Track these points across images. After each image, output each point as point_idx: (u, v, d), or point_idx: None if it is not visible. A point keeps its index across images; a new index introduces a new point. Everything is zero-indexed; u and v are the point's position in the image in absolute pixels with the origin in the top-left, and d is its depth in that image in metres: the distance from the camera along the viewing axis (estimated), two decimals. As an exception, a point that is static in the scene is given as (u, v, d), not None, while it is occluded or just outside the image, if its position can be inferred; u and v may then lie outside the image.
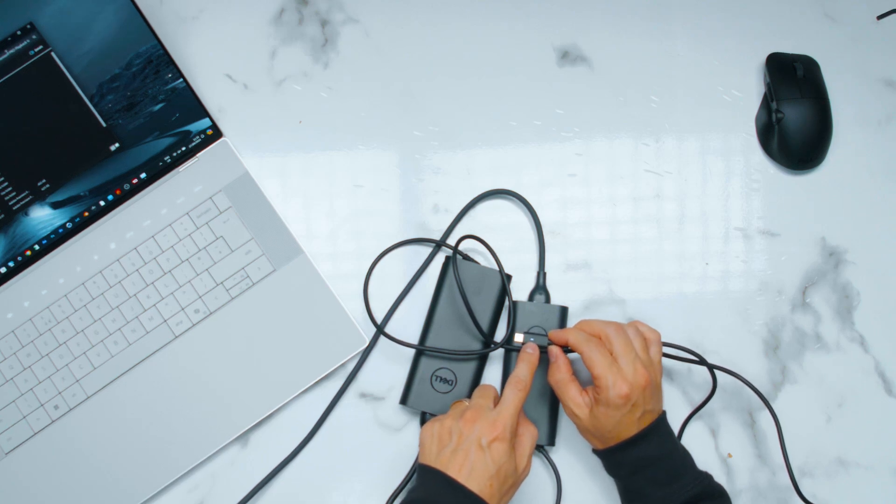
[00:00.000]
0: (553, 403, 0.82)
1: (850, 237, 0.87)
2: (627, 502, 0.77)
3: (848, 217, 0.87)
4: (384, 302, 0.85)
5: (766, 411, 0.83)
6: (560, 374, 0.76)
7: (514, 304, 0.83)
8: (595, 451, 0.77)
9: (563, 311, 0.84)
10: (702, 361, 0.80)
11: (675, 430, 0.82)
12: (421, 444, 0.74)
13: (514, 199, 0.87)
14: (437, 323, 0.83)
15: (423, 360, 0.82)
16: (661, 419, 0.76)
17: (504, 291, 0.83)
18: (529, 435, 0.74)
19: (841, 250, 0.87)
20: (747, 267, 0.86)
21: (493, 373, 0.84)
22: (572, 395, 0.75)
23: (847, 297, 0.86)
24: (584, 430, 0.76)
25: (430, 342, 0.82)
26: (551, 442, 0.82)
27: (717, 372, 0.82)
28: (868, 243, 0.87)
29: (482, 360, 0.83)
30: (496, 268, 0.83)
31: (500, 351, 0.84)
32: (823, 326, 0.85)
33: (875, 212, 0.87)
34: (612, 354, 0.74)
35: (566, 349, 0.78)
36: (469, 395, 0.82)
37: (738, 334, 0.85)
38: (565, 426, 0.83)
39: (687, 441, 0.83)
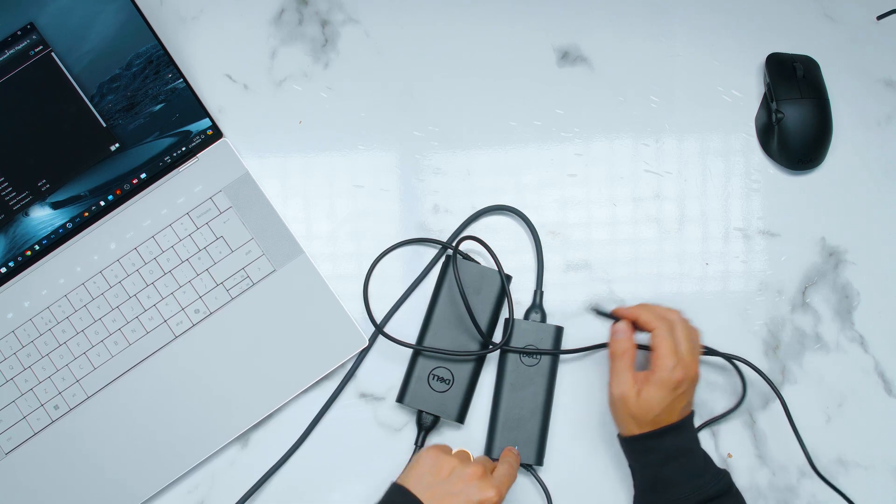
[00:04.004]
0: (543, 422, 0.82)
1: (850, 237, 0.87)
2: (651, 492, 0.76)
3: (848, 217, 0.87)
4: (384, 302, 0.85)
5: (767, 411, 0.83)
6: (627, 343, 0.77)
7: (512, 321, 0.83)
8: (627, 438, 0.77)
9: (559, 331, 0.84)
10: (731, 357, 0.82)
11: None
12: (414, 465, 0.73)
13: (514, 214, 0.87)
14: (435, 322, 0.83)
15: (421, 359, 0.82)
16: (692, 415, 0.77)
17: (504, 292, 0.83)
18: None
19: (841, 250, 0.87)
20: (747, 267, 0.86)
21: (490, 374, 0.84)
22: (630, 373, 0.76)
23: (847, 297, 0.86)
24: (625, 412, 0.76)
25: (428, 342, 0.82)
26: (539, 462, 0.82)
27: (722, 364, 0.82)
28: (868, 243, 0.87)
29: (480, 360, 0.83)
30: (496, 268, 0.83)
31: (497, 351, 0.84)
32: (823, 326, 0.85)
33: (875, 212, 0.87)
34: None
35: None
36: (466, 397, 0.82)
37: (738, 334, 0.85)
38: (553, 445, 0.83)
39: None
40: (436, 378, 0.82)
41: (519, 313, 0.85)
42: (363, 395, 0.84)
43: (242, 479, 0.83)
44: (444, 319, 0.83)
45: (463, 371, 0.82)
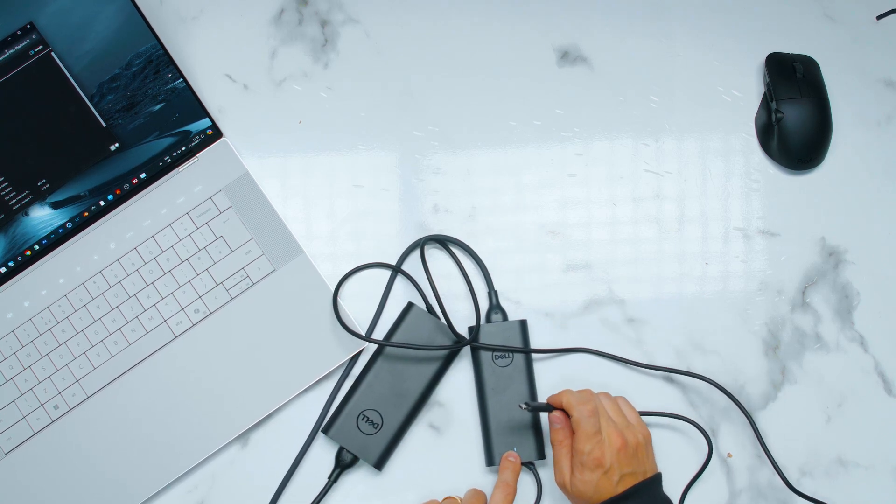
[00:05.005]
0: (534, 417, 0.82)
1: (850, 237, 0.87)
2: None
3: (848, 217, 0.87)
4: (377, 302, 0.86)
5: (766, 411, 0.83)
6: (562, 433, 0.75)
7: (478, 325, 0.82)
8: None
9: (523, 324, 0.83)
10: (685, 419, 0.81)
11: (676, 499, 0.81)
12: None
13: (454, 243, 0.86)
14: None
15: (357, 396, 0.82)
16: (648, 483, 0.73)
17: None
18: None
19: (841, 250, 0.87)
20: (747, 267, 0.86)
21: (422, 427, 0.84)
22: (567, 461, 0.74)
23: (847, 297, 0.86)
24: (568, 497, 0.75)
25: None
26: (542, 455, 0.81)
27: (714, 390, 0.83)
28: (868, 243, 0.87)
29: (414, 410, 0.82)
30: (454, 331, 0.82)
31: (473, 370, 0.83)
32: (823, 326, 0.85)
33: (875, 212, 0.87)
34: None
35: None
36: (390, 445, 0.81)
37: (738, 334, 0.85)
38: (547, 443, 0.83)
39: (686, 441, 0.83)
40: (365, 419, 0.81)
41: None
42: (363, 395, 0.84)
43: (242, 479, 0.83)
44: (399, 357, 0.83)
45: (393, 418, 0.81)
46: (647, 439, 0.76)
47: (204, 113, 0.86)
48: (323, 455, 0.83)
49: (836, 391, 0.84)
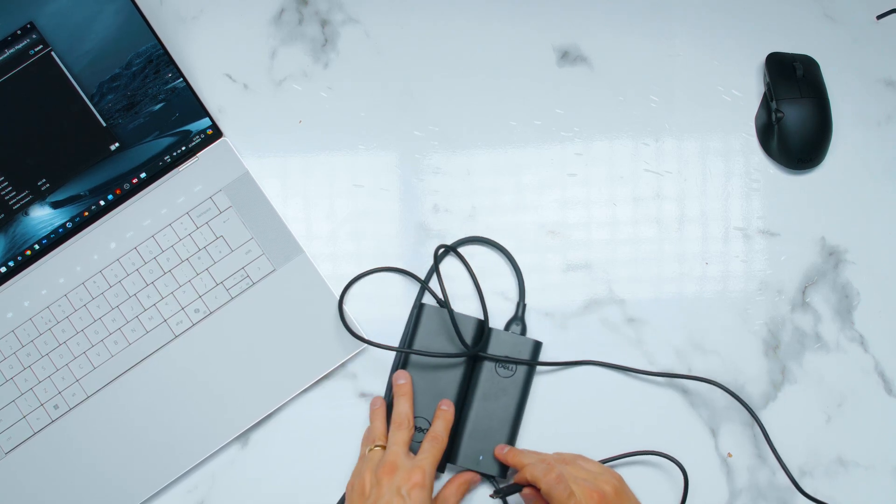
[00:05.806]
0: (511, 434, 0.81)
1: (850, 237, 0.87)
2: None
3: (848, 217, 0.87)
4: (380, 303, 0.85)
5: (766, 411, 0.83)
6: None
7: (489, 331, 0.82)
8: None
9: (537, 345, 0.83)
10: (657, 454, 0.81)
11: None
12: (346, 500, 0.77)
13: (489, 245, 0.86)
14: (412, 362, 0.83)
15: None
16: None
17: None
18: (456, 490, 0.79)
19: (841, 250, 0.87)
20: (747, 267, 0.86)
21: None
22: None
23: (847, 297, 0.86)
24: None
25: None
26: (503, 474, 0.81)
27: (714, 390, 0.83)
28: (868, 243, 0.87)
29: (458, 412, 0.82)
30: (472, 314, 0.82)
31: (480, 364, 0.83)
32: (823, 326, 0.85)
33: (875, 212, 0.87)
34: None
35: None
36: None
37: (738, 334, 0.85)
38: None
39: (686, 440, 0.83)
40: (417, 428, 0.81)
41: (500, 323, 0.85)
42: (363, 395, 0.84)
43: (242, 479, 0.83)
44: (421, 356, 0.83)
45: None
46: (621, 481, 0.75)
47: (204, 113, 0.86)
48: (320, 450, 0.83)
49: (836, 391, 0.84)
